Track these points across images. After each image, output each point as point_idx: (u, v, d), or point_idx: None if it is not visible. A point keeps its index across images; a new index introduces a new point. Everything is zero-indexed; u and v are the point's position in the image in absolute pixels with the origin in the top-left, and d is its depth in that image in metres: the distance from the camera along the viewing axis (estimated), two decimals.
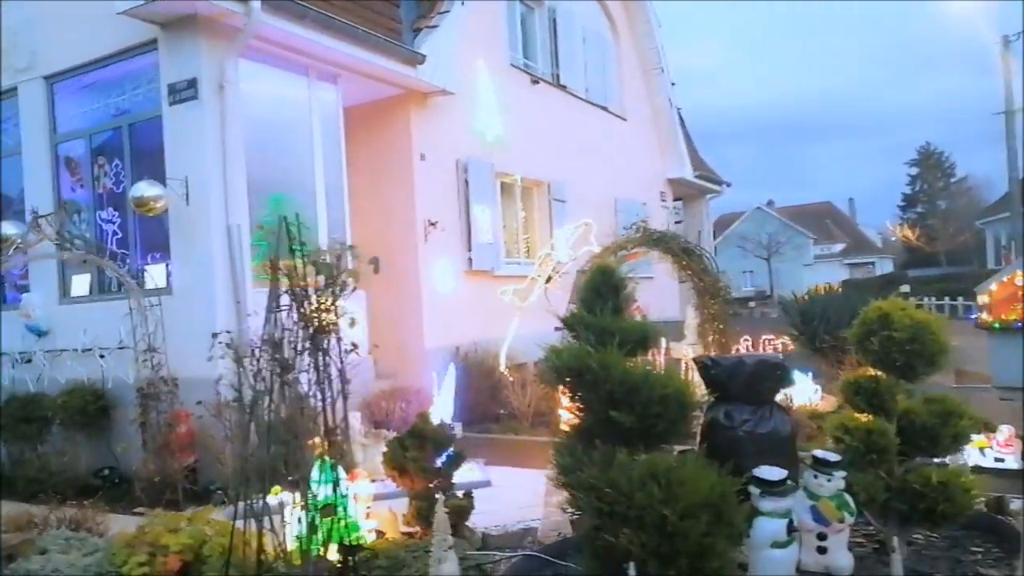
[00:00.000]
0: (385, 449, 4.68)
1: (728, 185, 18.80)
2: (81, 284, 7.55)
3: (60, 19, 7.49)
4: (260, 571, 3.45)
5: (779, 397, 7.30)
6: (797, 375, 7.89)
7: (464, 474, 5.70)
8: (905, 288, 30.43)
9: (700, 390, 3.91)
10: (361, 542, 3.87)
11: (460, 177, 9.68)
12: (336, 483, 3.70)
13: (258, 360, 3.51)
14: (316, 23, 7.15)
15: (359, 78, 8.23)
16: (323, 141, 7.90)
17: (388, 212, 9.03)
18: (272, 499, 3.78)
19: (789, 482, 3.31)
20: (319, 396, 3.63)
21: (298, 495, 3.57)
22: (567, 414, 4.16)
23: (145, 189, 6.51)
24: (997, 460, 5.28)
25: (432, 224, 9.07)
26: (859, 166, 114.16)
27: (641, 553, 2.95)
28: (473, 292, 9.55)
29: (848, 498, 3.40)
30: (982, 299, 4.17)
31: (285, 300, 3.59)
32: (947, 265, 42.32)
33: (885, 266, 56.26)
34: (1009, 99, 22.19)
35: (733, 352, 8.18)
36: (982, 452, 5.34)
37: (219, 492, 5.62)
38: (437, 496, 3.92)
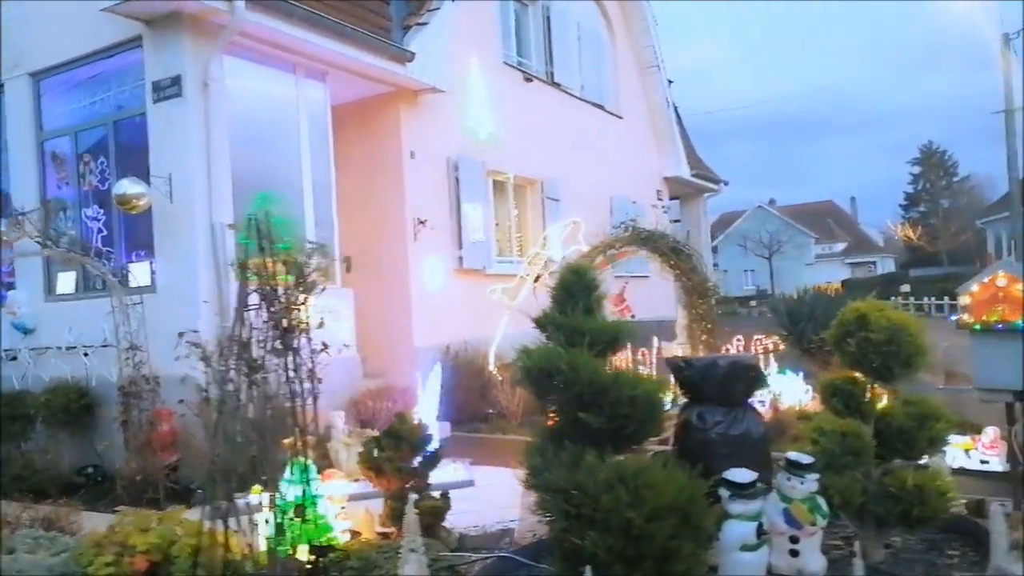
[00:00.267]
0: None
1: (726, 184, 18.72)
2: (67, 282, 7.52)
3: (46, 16, 7.46)
4: (227, 572, 3.43)
5: (769, 397, 7.32)
6: (787, 375, 7.86)
7: (448, 474, 5.69)
8: (906, 287, 30.40)
9: None
10: (333, 543, 3.85)
11: (451, 175, 9.64)
12: (307, 483, 3.68)
13: (226, 360, 3.48)
14: (303, 20, 7.12)
15: (348, 75, 8.18)
16: (311, 139, 7.86)
17: (377, 210, 8.98)
18: (250, 499, 3.76)
19: (759, 485, 3.27)
20: (290, 396, 3.60)
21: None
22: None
23: (128, 187, 6.48)
24: (982, 462, 5.24)
25: (422, 222, 9.01)
26: (861, 163, 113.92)
27: (607, 556, 2.92)
28: (464, 291, 9.50)
29: (821, 501, 3.36)
30: (963, 300, 4.13)
31: (254, 299, 3.56)
32: (948, 265, 42.19)
33: (887, 265, 56.18)
34: (1009, 97, 22.04)
35: (723, 352, 8.14)
36: (967, 454, 5.31)
37: (199, 491, 5.59)
38: (409, 496, 3.88)
